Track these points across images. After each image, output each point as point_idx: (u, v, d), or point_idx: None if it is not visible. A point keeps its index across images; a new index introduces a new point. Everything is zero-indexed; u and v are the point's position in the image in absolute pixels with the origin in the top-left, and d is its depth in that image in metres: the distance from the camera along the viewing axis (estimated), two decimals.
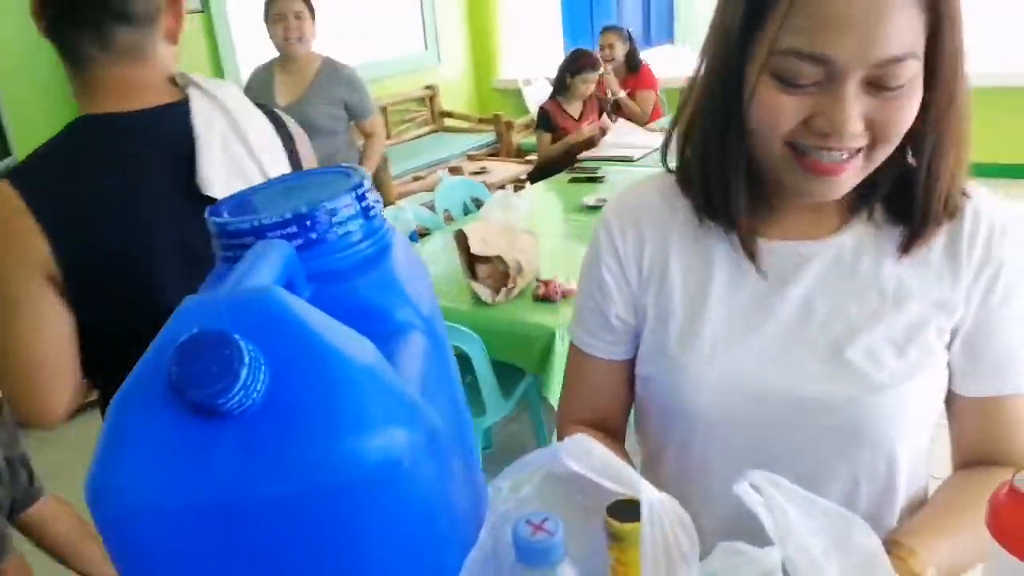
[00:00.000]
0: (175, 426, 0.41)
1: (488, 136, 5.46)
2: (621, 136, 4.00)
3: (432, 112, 5.80)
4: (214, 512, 0.42)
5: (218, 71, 4.34)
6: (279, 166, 1.12)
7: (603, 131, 4.01)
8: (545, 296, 2.20)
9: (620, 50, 4.58)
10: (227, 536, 0.42)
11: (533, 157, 5.02)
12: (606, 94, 4.37)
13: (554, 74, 4.02)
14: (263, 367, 0.42)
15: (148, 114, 1.05)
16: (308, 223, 0.57)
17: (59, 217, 0.97)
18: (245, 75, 4.46)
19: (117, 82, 1.04)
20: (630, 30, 4.76)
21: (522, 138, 5.59)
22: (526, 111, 5.93)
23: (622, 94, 4.53)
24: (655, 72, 4.72)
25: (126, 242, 1.00)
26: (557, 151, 3.90)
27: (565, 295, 2.18)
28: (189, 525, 0.42)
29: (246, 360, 0.40)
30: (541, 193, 3.41)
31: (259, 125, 1.12)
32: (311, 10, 2.95)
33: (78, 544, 1.54)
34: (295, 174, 0.83)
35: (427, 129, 5.72)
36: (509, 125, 5.33)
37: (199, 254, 0.79)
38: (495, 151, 5.38)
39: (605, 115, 4.12)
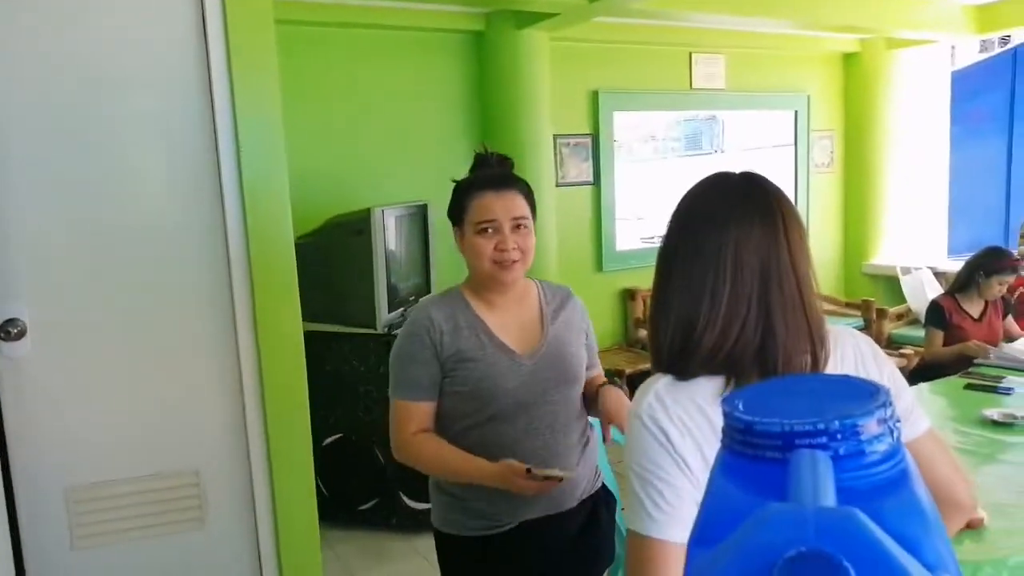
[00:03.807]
0: None
1: (855, 321, 5.16)
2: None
3: None
4: None
5: None
6: None
7: (1008, 337, 3.58)
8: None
9: None
10: None
11: (908, 351, 4.62)
12: (1012, 294, 3.92)
13: (938, 265, 3.72)
14: None
15: None
16: (839, 436, 0.57)
17: None
18: None
19: None
20: None
21: (893, 328, 5.19)
22: (901, 300, 5.53)
23: None
24: None
25: None
26: (949, 355, 3.54)
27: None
28: None
29: None
30: (926, 395, 3.08)
31: None
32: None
33: None
34: (815, 376, 0.85)
35: None
36: (882, 313, 4.99)
37: None
38: None
39: (1010, 318, 3.67)
